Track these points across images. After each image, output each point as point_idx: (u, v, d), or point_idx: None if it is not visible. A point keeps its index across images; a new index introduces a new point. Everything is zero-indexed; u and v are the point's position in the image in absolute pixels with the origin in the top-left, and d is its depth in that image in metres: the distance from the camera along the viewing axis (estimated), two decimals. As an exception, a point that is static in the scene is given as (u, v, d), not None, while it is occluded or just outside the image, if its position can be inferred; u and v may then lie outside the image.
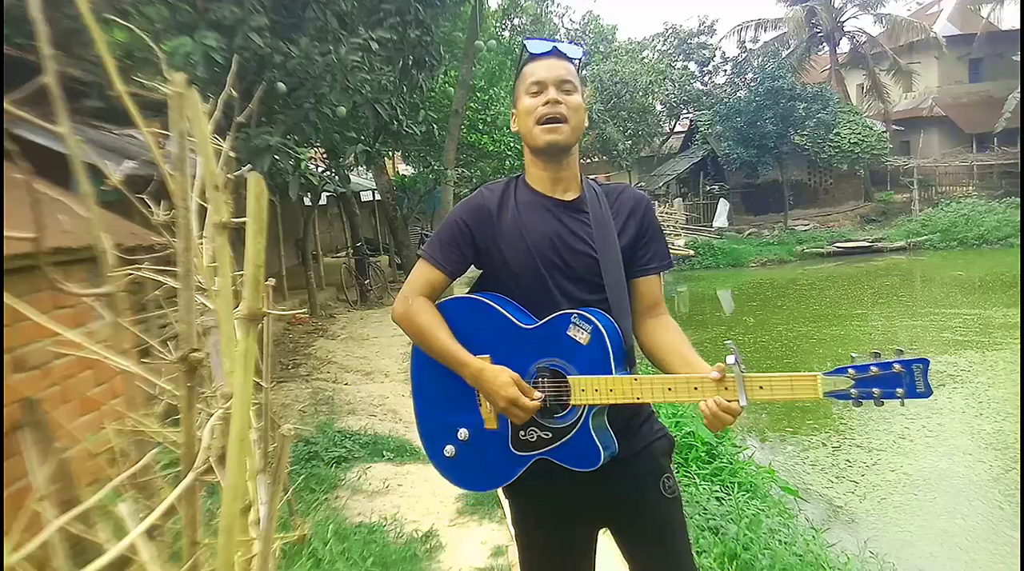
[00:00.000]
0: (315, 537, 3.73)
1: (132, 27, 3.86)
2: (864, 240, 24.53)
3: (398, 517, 4.48)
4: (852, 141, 25.88)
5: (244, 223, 1.02)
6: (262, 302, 1.05)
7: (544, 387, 1.78)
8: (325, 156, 9.59)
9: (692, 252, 23.84)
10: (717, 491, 4.69)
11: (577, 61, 1.93)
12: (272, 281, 1.48)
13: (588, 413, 1.75)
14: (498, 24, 15.99)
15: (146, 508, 1.30)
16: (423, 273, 1.91)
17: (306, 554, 3.50)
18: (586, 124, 1.95)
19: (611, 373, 1.74)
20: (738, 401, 1.63)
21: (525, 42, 1.94)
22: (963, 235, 23.38)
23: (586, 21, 32.88)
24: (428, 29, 8.03)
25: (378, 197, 17.72)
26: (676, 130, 35.40)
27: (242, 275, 1.06)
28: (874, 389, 1.61)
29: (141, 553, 1.04)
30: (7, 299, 1.39)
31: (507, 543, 4.06)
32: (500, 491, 2.07)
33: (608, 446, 1.76)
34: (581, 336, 1.76)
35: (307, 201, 12.29)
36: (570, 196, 1.92)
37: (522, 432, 1.81)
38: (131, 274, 1.47)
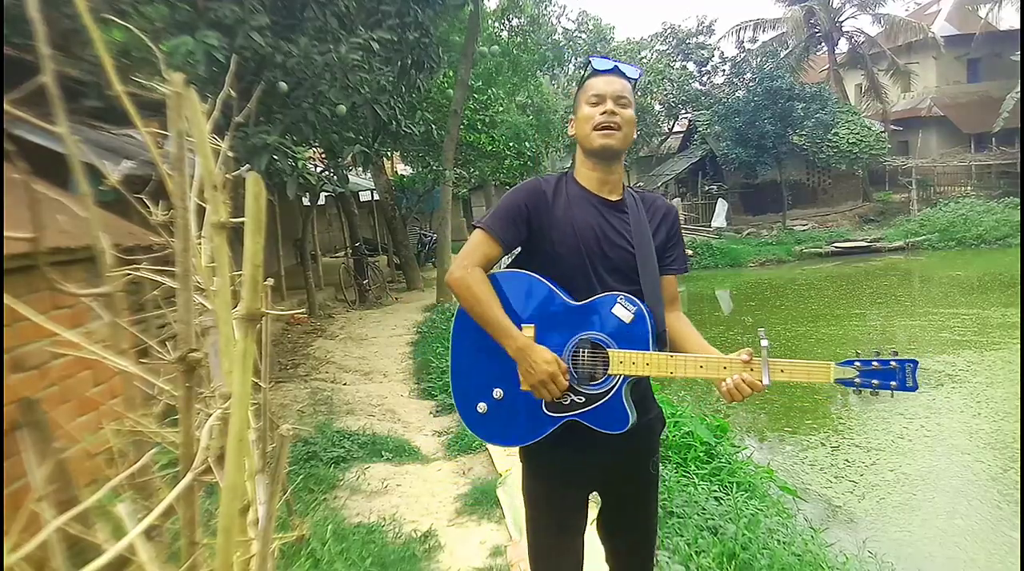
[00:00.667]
0: (314, 537, 3.73)
1: (130, 27, 3.85)
2: (862, 240, 24.54)
3: (397, 517, 4.48)
4: (850, 141, 25.88)
5: (242, 223, 1.02)
6: (260, 302, 1.05)
7: (583, 356, 2.01)
8: (324, 156, 9.60)
9: (691, 252, 23.83)
10: (716, 491, 4.69)
11: (634, 81, 2.16)
12: (271, 281, 1.48)
13: (623, 382, 1.99)
14: (496, 25, 15.98)
15: (145, 508, 1.30)
16: (482, 243, 2.07)
17: (305, 554, 3.50)
18: (635, 136, 2.20)
19: (649, 349, 1.98)
20: (762, 380, 1.91)
21: (590, 59, 2.20)
22: (961, 235, 23.39)
23: (581, 21, 32.88)
24: (427, 31, 8.03)
25: (377, 197, 17.72)
26: (674, 130, 35.39)
27: (240, 275, 1.06)
28: (874, 380, 1.90)
29: (140, 553, 1.04)
30: (5, 299, 1.38)
31: (505, 543, 4.06)
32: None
33: (634, 413, 2.00)
34: (626, 315, 1.99)
35: (306, 201, 12.29)
36: (614, 197, 2.17)
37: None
38: (129, 274, 1.47)
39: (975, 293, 15.98)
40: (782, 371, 1.92)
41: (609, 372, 1.98)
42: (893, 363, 1.88)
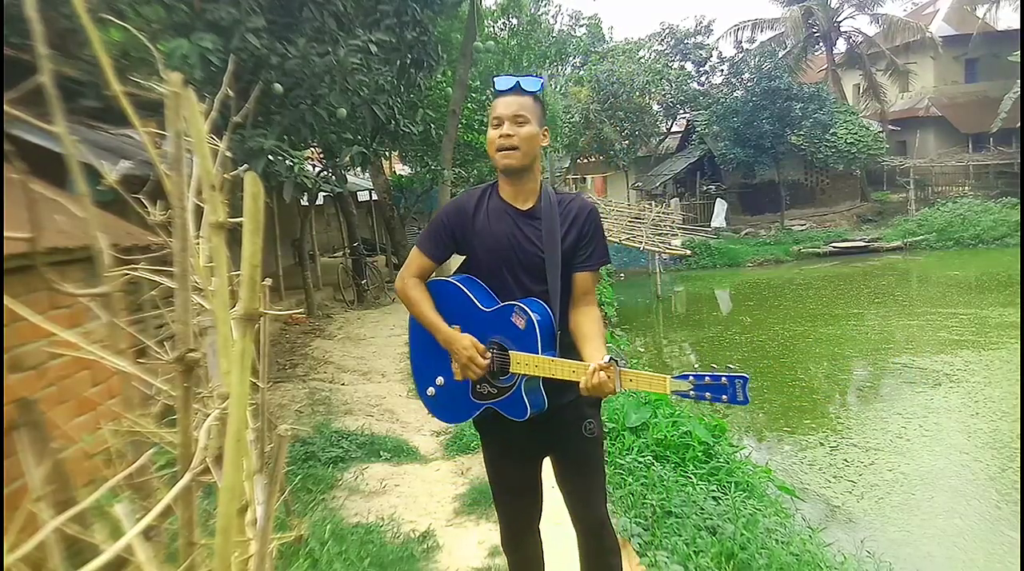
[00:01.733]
0: (312, 537, 3.72)
1: (128, 27, 3.85)
2: (860, 240, 24.57)
3: (395, 517, 4.47)
4: (848, 141, 25.90)
5: (240, 223, 1.02)
6: (259, 302, 1.05)
7: (495, 355, 2.36)
8: (322, 156, 9.58)
9: (689, 252, 23.84)
10: (714, 491, 4.69)
11: (536, 93, 2.39)
12: (269, 281, 1.48)
13: (522, 379, 2.32)
14: (494, 24, 15.98)
15: (143, 509, 1.30)
16: (415, 258, 2.50)
17: (303, 554, 3.50)
18: (541, 146, 2.41)
19: (537, 353, 2.27)
20: (618, 385, 2.16)
21: (494, 79, 2.46)
22: (959, 235, 23.43)
23: (575, 21, 32.89)
24: (425, 29, 8.03)
25: (375, 197, 17.70)
26: (673, 130, 35.39)
27: (239, 275, 1.06)
28: (707, 393, 2.09)
29: (138, 554, 1.04)
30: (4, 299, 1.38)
31: (504, 543, 4.06)
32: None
33: (537, 404, 2.34)
34: (520, 322, 2.31)
35: (304, 201, 12.28)
36: (527, 206, 2.42)
37: (478, 385, 2.41)
38: (127, 274, 1.47)
39: (973, 293, 16.00)
40: (630, 380, 2.14)
41: (511, 370, 2.32)
42: (724, 379, 2.06)
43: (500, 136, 2.34)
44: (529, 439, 2.49)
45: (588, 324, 2.40)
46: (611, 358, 2.16)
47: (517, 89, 2.40)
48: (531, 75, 2.45)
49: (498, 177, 2.48)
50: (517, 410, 2.37)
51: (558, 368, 2.28)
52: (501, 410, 2.39)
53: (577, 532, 2.59)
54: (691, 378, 2.11)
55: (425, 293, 2.47)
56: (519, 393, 2.36)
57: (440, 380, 2.50)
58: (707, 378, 2.09)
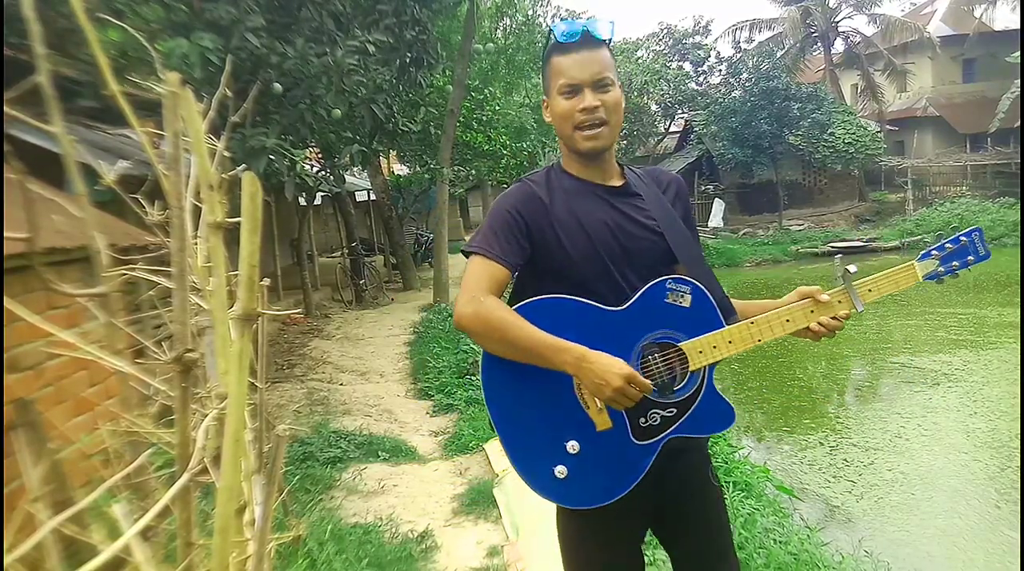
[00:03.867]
0: (310, 538, 3.72)
1: (126, 26, 3.85)
2: (858, 240, 24.56)
3: (393, 517, 4.47)
4: (846, 141, 25.91)
5: (239, 223, 1.02)
6: (257, 302, 1.05)
7: (656, 363, 1.72)
8: (320, 156, 9.58)
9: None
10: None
11: (608, 42, 1.80)
12: (267, 281, 1.47)
13: (710, 375, 1.75)
14: (492, 24, 15.98)
15: (141, 509, 1.30)
16: (484, 269, 1.71)
17: (301, 555, 3.50)
18: (623, 114, 1.86)
19: (722, 327, 1.74)
20: (854, 308, 1.82)
21: (552, 28, 1.81)
22: (957, 235, 23.45)
23: (574, 19, 32.90)
24: (425, 28, 8.03)
25: (373, 197, 17.70)
26: (671, 130, 35.39)
27: (237, 275, 1.06)
28: (954, 262, 1.87)
29: (136, 554, 1.03)
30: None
31: (502, 543, 4.06)
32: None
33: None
34: (682, 300, 1.73)
35: (302, 201, 12.28)
36: (616, 182, 1.87)
37: (642, 420, 1.70)
38: (125, 274, 1.47)
39: (971, 293, 16.00)
40: (870, 290, 1.84)
41: (691, 368, 1.71)
42: (963, 238, 1.86)
43: (581, 110, 1.74)
44: (638, 498, 1.74)
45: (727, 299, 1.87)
46: (844, 271, 1.79)
47: (589, 40, 1.76)
48: (594, 18, 1.86)
49: (565, 155, 1.89)
50: (720, 417, 1.75)
51: (765, 329, 1.75)
52: (692, 433, 1.74)
53: None
54: (934, 253, 1.86)
55: (514, 312, 1.67)
56: (713, 393, 1.74)
57: (573, 446, 1.69)
58: (948, 245, 1.85)
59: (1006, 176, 26.61)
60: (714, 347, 1.71)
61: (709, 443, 2.01)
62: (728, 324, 1.75)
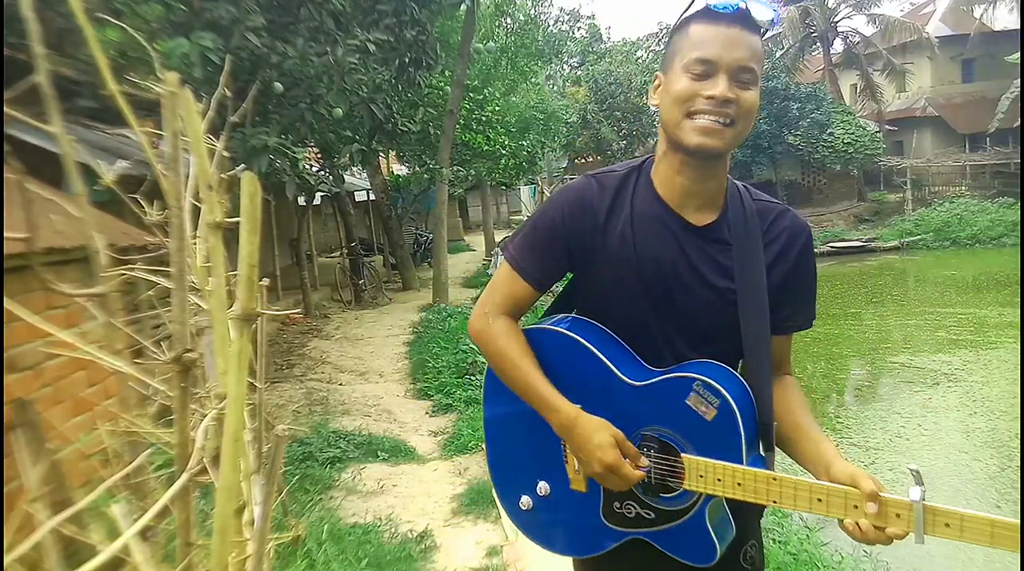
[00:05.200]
0: (309, 538, 3.72)
1: (125, 26, 3.84)
2: (857, 240, 24.56)
3: (393, 517, 4.47)
4: (846, 141, 25.93)
5: (238, 223, 1.01)
6: (256, 302, 1.05)
7: (651, 459, 1.44)
8: (319, 156, 9.59)
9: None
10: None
11: (764, 32, 1.41)
12: (266, 281, 1.47)
13: (706, 501, 1.42)
14: (492, 24, 15.98)
15: (140, 509, 1.30)
16: (506, 282, 1.54)
17: (300, 555, 3.50)
18: (751, 127, 1.45)
19: (741, 463, 1.37)
20: (911, 533, 1.32)
21: None
22: (956, 235, 23.44)
23: (574, 22, 32.91)
24: (424, 28, 8.03)
25: (372, 197, 17.70)
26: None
27: (236, 275, 1.05)
28: None
29: (135, 554, 1.03)
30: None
31: (501, 543, 4.06)
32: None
33: (724, 535, 1.45)
34: (705, 410, 1.39)
35: (301, 201, 12.28)
36: (706, 218, 1.48)
37: (617, 504, 1.48)
38: (124, 274, 1.47)
39: (971, 292, 16.01)
40: (948, 525, 1.27)
41: (684, 486, 1.41)
42: None
43: (709, 97, 1.35)
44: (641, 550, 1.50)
45: (799, 408, 1.51)
46: (920, 492, 1.28)
47: (746, 19, 1.36)
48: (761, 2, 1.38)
49: (660, 153, 1.50)
50: (697, 550, 1.43)
51: (788, 493, 1.33)
52: (662, 547, 1.46)
53: None
54: None
55: (524, 343, 1.50)
56: (700, 522, 1.42)
57: (543, 487, 1.56)
58: None
59: (1005, 176, 26.62)
60: (718, 479, 1.37)
61: None
62: (752, 459, 1.40)
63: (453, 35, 12.81)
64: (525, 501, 1.59)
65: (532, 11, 16.76)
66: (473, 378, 8.05)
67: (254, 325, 1.07)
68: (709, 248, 1.47)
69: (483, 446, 5.68)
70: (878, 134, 27.08)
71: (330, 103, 6.55)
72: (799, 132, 25.50)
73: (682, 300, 1.46)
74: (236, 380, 1.02)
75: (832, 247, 24.09)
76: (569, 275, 1.60)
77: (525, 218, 28.05)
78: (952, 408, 8.44)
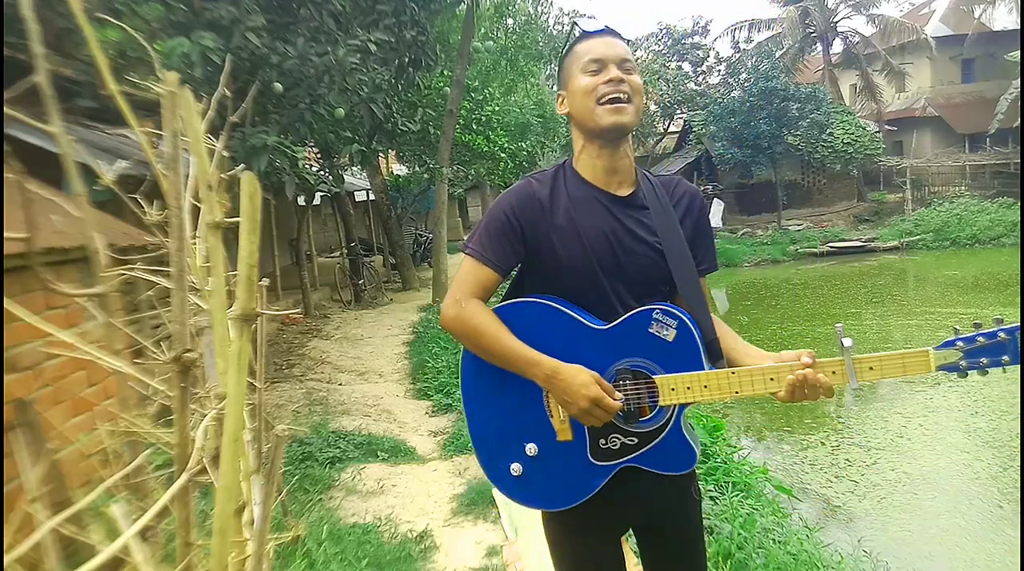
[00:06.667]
0: (309, 538, 3.72)
1: (125, 26, 3.84)
2: (857, 240, 24.58)
3: (392, 517, 4.47)
4: (845, 141, 25.94)
5: (237, 223, 1.01)
6: (256, 302, 1.05)
7: (627, 390, 1.68)
8: (319, 156, 9.59)
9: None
10: (711, 490, 4.69)
11: (629, 43, 1.84)
12: (266, 281, 1.48)
13: (679, 413, 1.68)
14: (491, 24, 15.98)
15: (139, 509, 1.30)
16: (471, 272, 1.74)
17: (300, 555, 3.49)
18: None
19: (703, 369, 1.66)
20: (847, 382, 1.62)
21: (576, 21, 1.84)
22: (956, 235, 23.45)
23: (573, 22, 32.87)
24: (424, 29, 8.03)
25: (372, 197, 17.71)
26: (670, 130, 35.39)
27: (235, 275, 1.05)
28: (982, 359, 1.61)
29: (134, 554, 1.03)
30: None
31: (501, 543, 4.06)
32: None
33: (696, 442, 1.71)
34: (666, 333, 1.67)
35: (301, 201, 12.28)
36: (625, 190, 1.79)
37: (602, 440, 1.70)
38: (124, 274, 1.47)
39: (971, 292, 16.01)
40: (871, 368, 1.61)
41: (660, 403, 1.66)
42: (1002, 334, 1.59)
43: (607, 82, 1.69)
44: (618, 508, 1.80)
45: (730, 335, 1.82)
46: (851, 342, 1.60)
47: (611, 32, 1.78)
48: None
49: (578, 151, 1.83)
50: (679, 459, 1.71)
51: (745, 382, 1.65)
52: (647, 466, 1.70)
53: None
54: (959, 344, 1.62)
55: (495, 317, 1.71)
56: (678, 433, 1.69)
57: (531, 448, 1.73)
58: (980, 339, 1.60)
59: (1005, 176, 26.64)
60: (688, 388, 1.65)
61: (704, 447, 2.06)
62: (711, 366, 1.69)
63: (453, 35, 12.82)
64: (515, 468, 1.75)
65: (531, 10, 16.74)
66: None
67: (254, 325, 1.07)
68: (635, 214, 1.78)
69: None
70: (878, 134, 27.08)
71: (330, 103, 6.55)
72: (799, 132, 25.48)
73: (624, 259, 1.73)
74: (236, 380, 1.02)
75: (832, 247, 24.11)
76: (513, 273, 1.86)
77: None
78: (953, 408, 8.45)
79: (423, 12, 7.92)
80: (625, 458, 1.70)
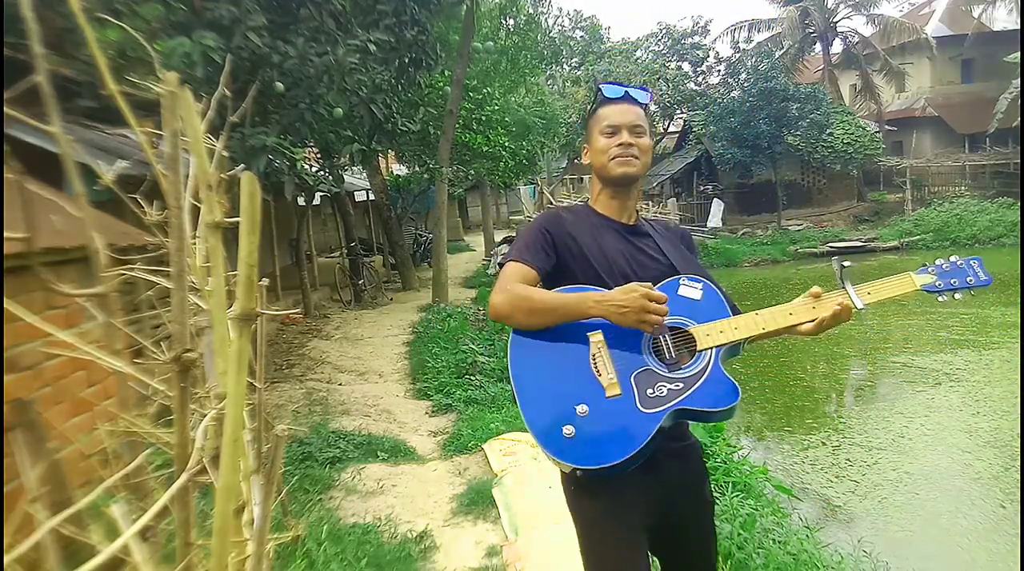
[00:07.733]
0: (309, 538, 3.72)
1: (125, 26, 3.84)
2: (857, 240, 24.57)
3: (392, 517, 4.47)
4: (845, 141, 25.94)
5: (237, 223, 1.01)
6: (256, 302, 1.05)
7: (665, 345, 1.92)
8: (319, 156, 9.58)
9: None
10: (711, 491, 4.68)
11: (645, 106, 2.18)
12: (266, 281, 1.48)
13: (716, 355, 1.91)
14: (493, 24, 15.97)
15: (139, 509, 1.30)
16: (514, 270, 2.01)
17: (300, 555, 3.50)
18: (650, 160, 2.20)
19: (729, 316, 1.97)
20: (854, 306, 1.96)
21: (600, 87, 2.20)
22: (955, 235, 23.44)
23: (576, 20, 32.94)
24: (424, 28, 8.03)
25: (372, 197, 17.69)
26: (670, 130, 35.42)
27: (235, 275, 1.05)
28: (953, 280, 1.98)
29: (134, 554, 1.03)
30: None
31: (501, 543, 4.06)
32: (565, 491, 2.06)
33: (735, 380, 1.88)
34: (694, 293, 1.99)
35: (301, 201, 12.28)
36: (632, 222, 2.19)
37: (649, 390, 1.86)
38: (124, 274, 1.46)
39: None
40: (868, 293, 1.99)
41: (699, 348, 1.91)
42: (959, 262, 1.99)
43: (619, 145, 2.08)
44: (653, 486, 1.97)
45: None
46: (842, 267, 2.01)
47: (628, 99, 2.16)
48: (639, 87, 2.23)
49: (595, 193, 2.21)
50: (723, 393, 1.86)
51: (769, 319, 1.96)
52: (696, 405, 1.85)
53: None
54: (931, 269, 2.00)
55: (538, 289, 1.98)
56: (719, 371, 1.89)
57: (583, 408, 1.84)
58: (944, 265, 1.99)
59: (1005, 176, 26.63)
60: (720, 331, 1.92)
61: (704, 447, 2.20)
62: (734, 315, 1.99)
63: (453, 35, 12.80)
64: (568, 430, 1.83)
65: (531, 10, 16.71)
66: (473, 378, 8.05)
67: (253, 325, 1.07)
68: (641, 239, 2.17)
69: (482, 447, 5.69)
70: (877, 134, 27.08)
71: (330, 103, 6.54)
72: (799, 132, 25.48)
73: (641, 273, 2.03)
74: (235, 380, 1.02)
75: (832, 247, 24.10)
76: None
77: (524, 218, 27.99)
78: (955, 408, 8.44)
79: (423, 12, 7.91)
80: (673, 402, 1.84)
